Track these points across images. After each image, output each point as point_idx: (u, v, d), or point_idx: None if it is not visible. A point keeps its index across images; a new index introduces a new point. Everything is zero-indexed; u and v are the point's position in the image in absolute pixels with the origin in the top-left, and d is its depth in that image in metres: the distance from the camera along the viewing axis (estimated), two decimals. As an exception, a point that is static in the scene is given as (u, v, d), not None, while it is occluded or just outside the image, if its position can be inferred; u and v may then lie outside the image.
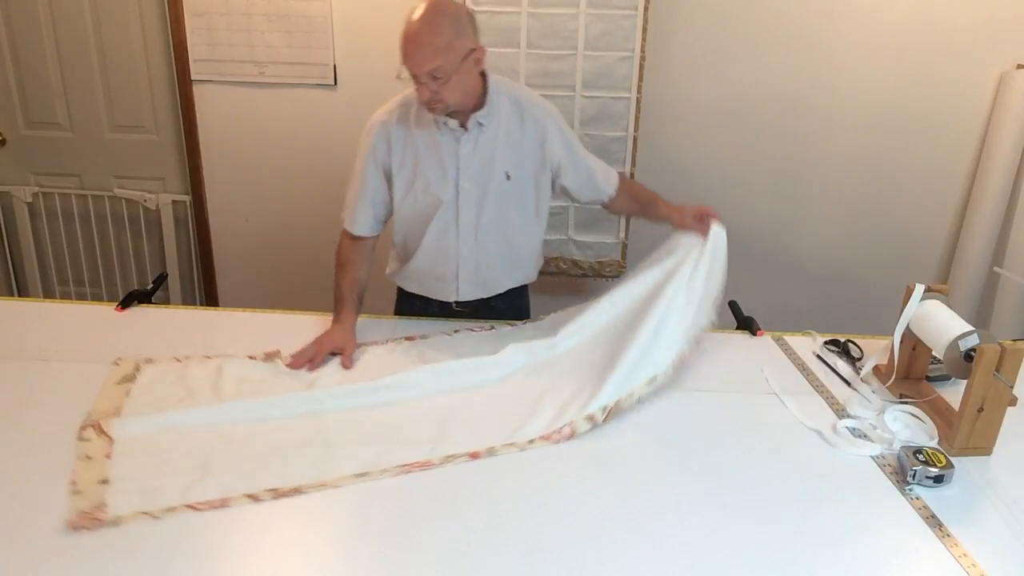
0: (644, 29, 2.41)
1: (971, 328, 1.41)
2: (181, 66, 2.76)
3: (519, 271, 1.90)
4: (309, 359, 1.61)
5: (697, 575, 1.10)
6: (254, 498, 1.20)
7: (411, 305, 1.92)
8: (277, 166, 2.89)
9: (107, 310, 1.86)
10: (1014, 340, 1.37)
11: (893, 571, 1.12)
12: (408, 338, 1.75)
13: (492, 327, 1.82)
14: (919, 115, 2.65)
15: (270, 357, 1.63)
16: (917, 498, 1.27)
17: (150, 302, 1.93)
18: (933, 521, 1.22)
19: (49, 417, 1.41)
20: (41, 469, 1.26)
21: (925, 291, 1.54)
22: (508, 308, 1.93)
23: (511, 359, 1.61)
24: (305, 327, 1.79)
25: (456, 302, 1.86)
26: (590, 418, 1.43)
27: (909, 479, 1.29)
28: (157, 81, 2.86)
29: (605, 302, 1.71)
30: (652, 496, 1.26)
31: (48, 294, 3.20)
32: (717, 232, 1.68)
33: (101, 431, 1.33)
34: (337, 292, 1.77)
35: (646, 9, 2.39)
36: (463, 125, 1.67)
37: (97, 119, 2.93)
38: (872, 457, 1.38)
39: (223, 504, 1.18)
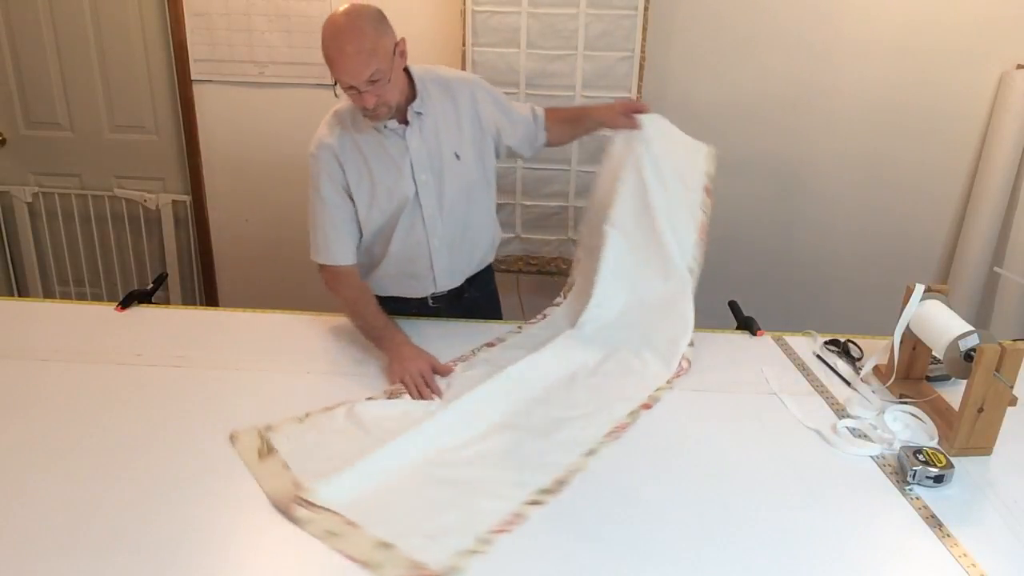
0: (644, 29, 2.41)
1: (971, 328, 1.41)
2: (181, 66, 2.76)
3: (483, 248, 1.91)
4: (426, 386, 1.54)
5: (696, 574, 1.10)
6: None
7: (384, 309, 1.83)
8: (277, 166, 2.89)
9: (107, 310, 1.86)
10: (1014, 340, 1.37)
11: (893, 571, 1.12)
12: (488, 344, 1.75)
13: (544, 317, 1.87)
14: (919, 115, 2.65)
15: (391, 394, 1.54)
16: (917, 498, 1.27)
17: (150, 302, 1.93)
18: (933, 521, 1.22)
19: (49, 417, 1.41)
20: (41, 469, 1.26)
21: (925, 291, 1.54)
22: (480, 295, 1.96)
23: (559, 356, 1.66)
24: (305, 327, 1.80)
25: (432, 295, 1.85)
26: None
27: (909, 479, 1.29)
28: (157, 81, 2.86)
29: (605, 267, 1.76)
30: (652, 496, 1.26)
31: (48, 294, 3.20)
32: (650, 120, 1.76)
33: (310, 505, 1.19)
34: (373, 324, 1.68)
35: (646, 9, 2.39)
36: (402, 121, 1.67)
37: (97, 119, 2.93)
38: (872, 457, 1.38)
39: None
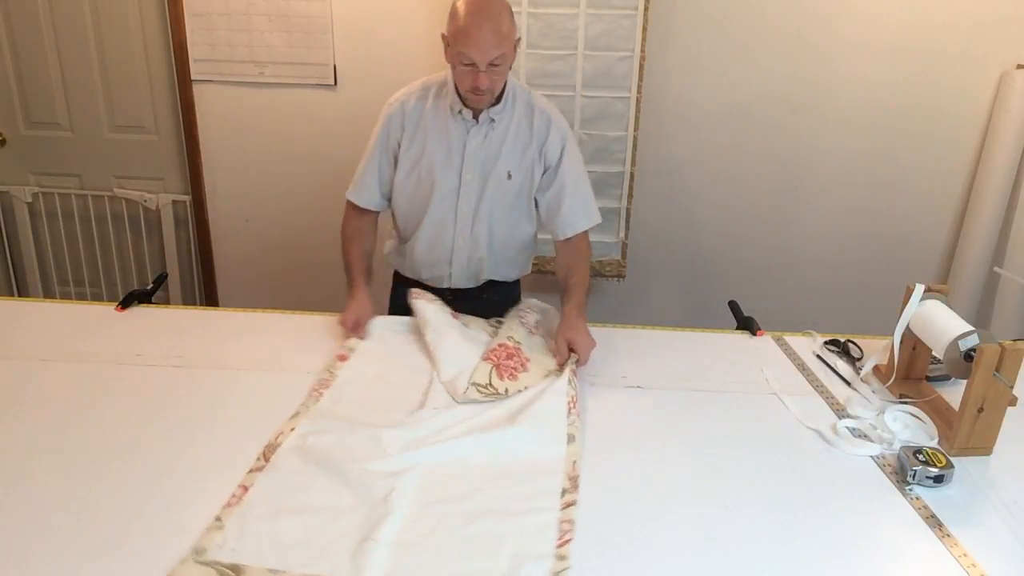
0: (644, 29, 2.41)
1: (971, 328, 1.41)
2: (181, 66, 2.76)
3: (509, 267, 1.94)
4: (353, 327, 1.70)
5: (697, 574, 1.10)
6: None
7: (406, 292, 1.88)
8: (277, 166, 2.89)
9: (107, 310, 1.86)
10: (1014, 340, 1.37)
11: (893, 571, 1.12)
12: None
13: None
14: (919, 115, 2.65)
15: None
16: (917, 498, 1.27)
17: (150, 302, 1.93)
18: (933, 521, 1.22)
19: (49, 417, 1.41)
20: (40, 469, 1.26)
21: (925, 291, 1.54)
22: (501, 300, 1.93)
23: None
24: (305, 327, 1.79)
25: (449, 289, 1.90)
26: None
27: (909, 479, 1.29)
28: (157, 81, 2.86)
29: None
30: (651, 495, 1.26)
31: (48, 294, 3.20)
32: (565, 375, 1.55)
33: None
34: (348, 264, 1.84)
35: (646, 9, 2.39)
36: (475, 117, 1.72)
37: (97, 119, 2.93)
38: (872, 457, 1.38)
39: None
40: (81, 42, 2.82)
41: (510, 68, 1.67)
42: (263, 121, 2.83)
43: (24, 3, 2.77)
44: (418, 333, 1.71)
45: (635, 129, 2.53)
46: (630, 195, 2.62)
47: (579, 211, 1.80)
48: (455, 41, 1.58)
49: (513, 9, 2.41)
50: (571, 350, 1.59)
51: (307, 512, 1.18)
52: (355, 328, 1.71)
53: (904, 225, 2.81)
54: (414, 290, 1.80)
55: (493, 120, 1.73)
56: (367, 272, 1.85)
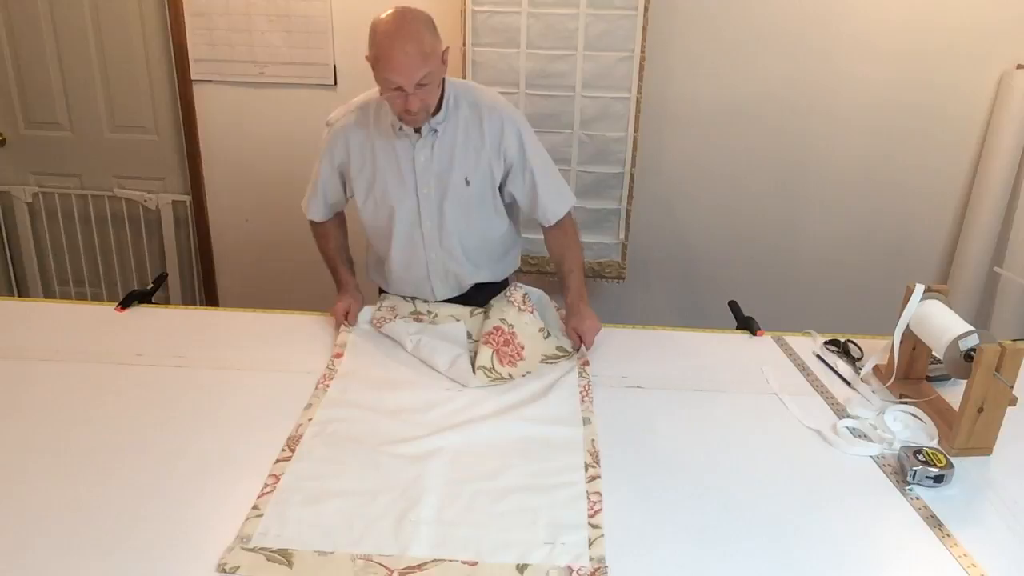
0: (644, 29, 2.41)
1: (971, 328, 1.41)
2: (181, 66, 2.76)
3: (493, 268, 1.91)
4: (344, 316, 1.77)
5: (697, 573, 1.10)
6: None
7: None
8: (277, 166, 2.89)
9: (107, 310, 1.86)
10: (1014, 340, 1.37)
11: (893, 571, 1.12)
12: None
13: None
14: (919, 115, 2.65)
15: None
16: (917, 498, 1.27)
17: (150, 302, 1.93)
18: (933, 521, 1.22)
19: (49, 417, 1.41)
20: (40, 469, 1.26)
21: (925, 291, 1.54)
22: (489, 299, 1.93)
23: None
24: (305, 327, 1.80)
25: (437, 301, 1.87)
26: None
27: (909, 479, 1.29)
28: (157, 81, 2.86)
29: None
30: (651, 495, 1.26)
31: (48, 294, 3.20)
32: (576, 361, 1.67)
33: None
34: (328, 261, 1.91)
35: (646, 9, 2.39)
36: (417, 130, 1.65)
37: (97, 119, 2.93)
38: (872, 457, 1.38)
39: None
40: (81, 42, 2.82)
41: (442, 78, 1.61)
42: (263, 121, 2.82)
43: (24, 3, 2.77)
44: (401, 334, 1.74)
45: (635, 129, 2.53)
46: (630, 195, 2.62)
47: (555, 196, 1.77)
48: (377, 66, 1.51)
49: (512, 9, 2.44)
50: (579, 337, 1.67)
51: (343, 496, 1.23)
52: (347, 317, 1.78)
53: (904, 225, 2.81)
54: (373, 319, 1.81)
55: (436, 131, 1.66)
56: (349, 262, 1.92)
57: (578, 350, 1.69)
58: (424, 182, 1.70)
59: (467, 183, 1.71)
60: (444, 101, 1.65)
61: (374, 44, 1.50)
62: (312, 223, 1.90)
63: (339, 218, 1.91)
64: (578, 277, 1.78)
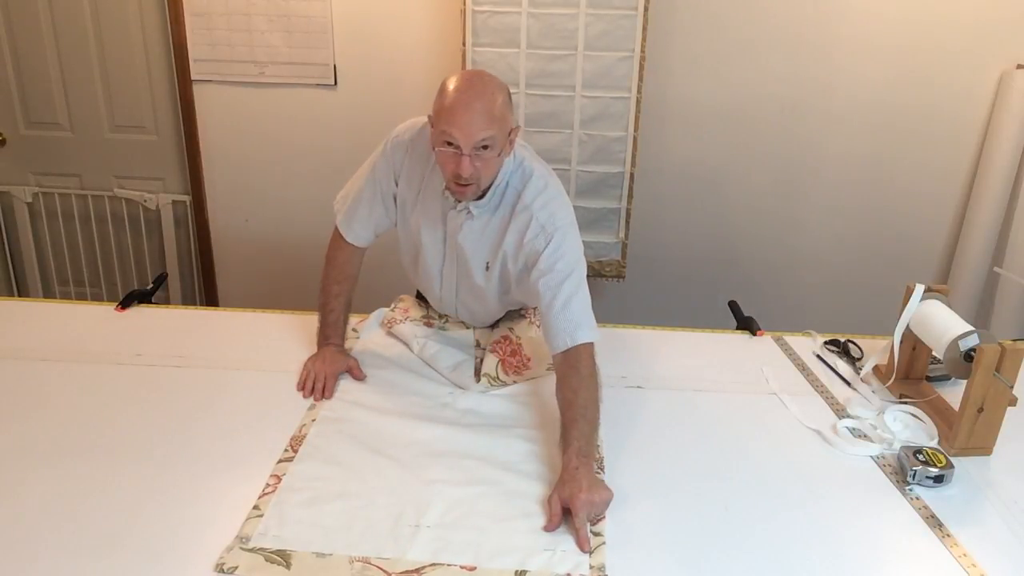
0: (644, 29, 2.41)
1: (971, 328, 1.41)
2: (181, 66, 2.76)
3: (507, 312, 1.78)
4: (321, 389, 1.53)
5: (697, 574, 1.10)
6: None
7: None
8: (277, 166, 2.89)
9: (107, 310, 1.86)
10: (1014, 340, 1.37)
11: (893, 571, 1.12)
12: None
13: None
14: (919, 115, 2.65)
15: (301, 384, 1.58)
16: (917, 498, 1.27)
17: (150, 302, 1.93)
18: (933, 521, 1.22)
19: (49, 417, 1.41)
20: (41, 469, 1.26)
21: (925, 291, 1.54)
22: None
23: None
24: (305, 327, 1.79)
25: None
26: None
27: (909, 479, 1.29)
28: (157, 81, 2.86)
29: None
30: (652, 495, 1.26)
31: (48, 294, 3.20)
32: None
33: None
34: (329, 307, 1.66)
35: (646, 9, 2.39)
36: (458, 201, 1.51)
37: (97, 119, 2.93)
38: (872, 457, 1.38)
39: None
40: (81, 42, 2.81)
41: (502, 159, 1.43)
42: (263, 121, 2.82)
43: (24, 3, 2.77)
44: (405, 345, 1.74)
45: (635, 129, 2.53)
46: (630, 195, 2.62)
47: (564, 331, 1.42)
48: (438, 119, 1.36)
49: (512, 9, 2.44)
50: (567, 511, 1.20)
51: (343, 497, 1.23)
52: (315, 392, 1.53)
53: (904, 225, 2.80)
54: (384, 319, 1.79)
55: (471, 212, 1.50)
56: (342, 325, 1.66)
57: (556, 528, 1.19)
58: (451, 243, 1.57)
59: (487, 268, 1.57)
60: (492, 189, 1.48)
61: (440, 95, 1.37)
62: (335, 244, 1.67)
63: (361, 258, 1.69)
64: (584, 431, 1.31)
